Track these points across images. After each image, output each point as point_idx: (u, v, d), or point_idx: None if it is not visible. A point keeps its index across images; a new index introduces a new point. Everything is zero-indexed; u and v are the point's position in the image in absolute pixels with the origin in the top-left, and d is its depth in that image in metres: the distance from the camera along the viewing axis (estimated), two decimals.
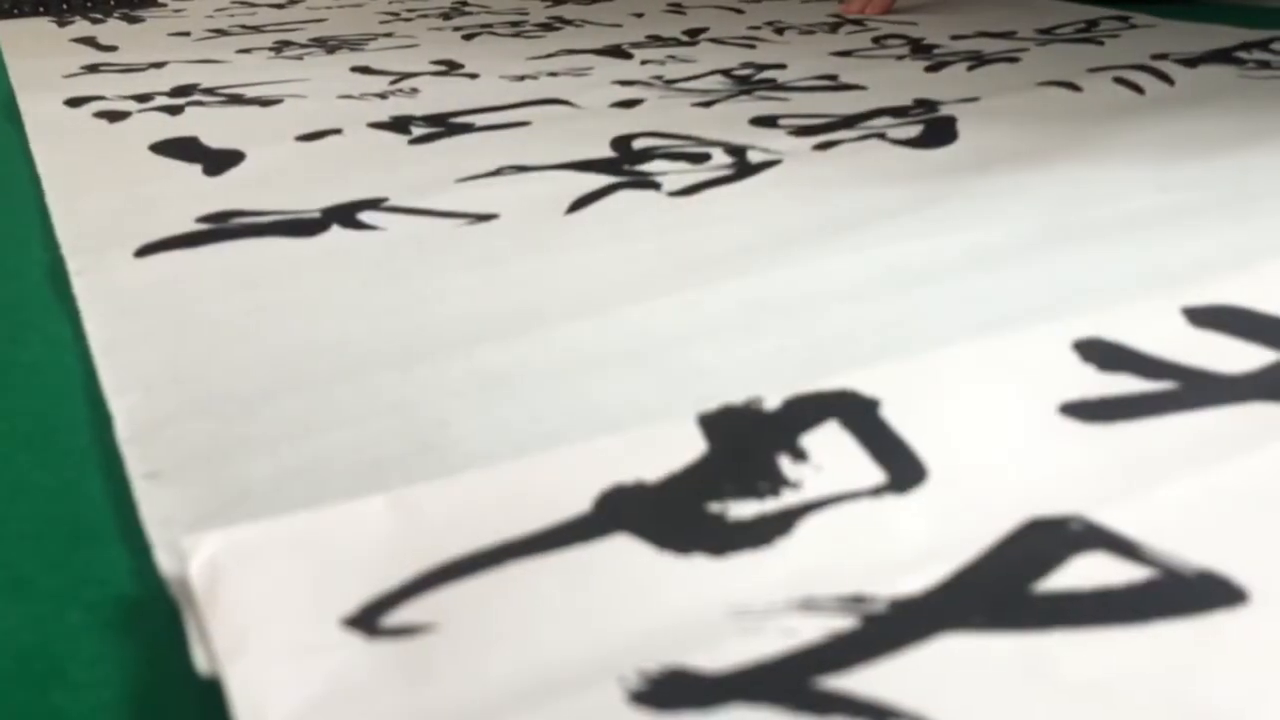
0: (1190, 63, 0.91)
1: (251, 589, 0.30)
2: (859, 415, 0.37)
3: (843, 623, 0.28)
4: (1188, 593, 0.28)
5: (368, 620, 0.29)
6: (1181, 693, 0.25)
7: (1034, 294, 0.48)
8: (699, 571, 0.30)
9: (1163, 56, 0.93)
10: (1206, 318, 0.44)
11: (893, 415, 0.37)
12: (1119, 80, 0.86)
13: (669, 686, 0.26)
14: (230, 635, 0.28)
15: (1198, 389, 0.39)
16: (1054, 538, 0.31)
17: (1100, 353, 0.42)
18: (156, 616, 0.31)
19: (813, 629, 0.27)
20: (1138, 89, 0.84)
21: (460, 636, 0.28)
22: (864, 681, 0.26)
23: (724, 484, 0.34)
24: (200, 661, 0.28)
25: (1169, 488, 0.33)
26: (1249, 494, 0.33)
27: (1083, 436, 0.36)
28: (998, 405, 0.38)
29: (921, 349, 0.42)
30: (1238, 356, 0.41)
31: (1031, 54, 1.00)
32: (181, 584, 0.30)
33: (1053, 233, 0.55)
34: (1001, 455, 0.35)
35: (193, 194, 0.67)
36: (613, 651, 0.27)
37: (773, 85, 0.91)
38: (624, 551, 0.31)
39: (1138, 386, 0.39)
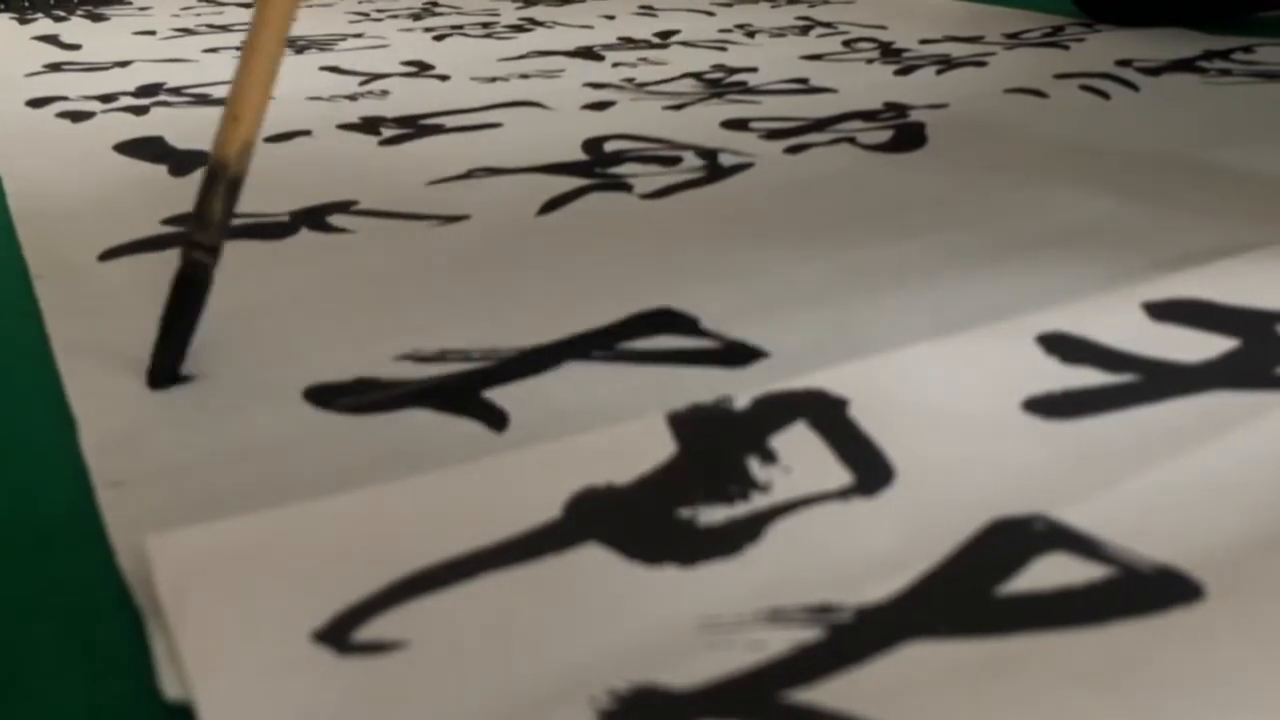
0: (1154, 71, 0.92)
1: (218, 601, 0.29)
2: (827, 415, 0.38)
3: (810, 634, 0.28)
4: (1146, 590, 0.29)
5: (338, 635, 0.28)
6: (1138, 693, 0.25)
7: (999, 295, 0.48)
8: (669, 583, 0.30)
9: (1127, 63, 0.94)
10: (1166, 311, 0.45)
11: (861, 415, 0.38)
12: (1085, 87, 0.87)
13: (639, 705, 0.26)
14: (199, 655, 0.28)
15: (1159, 380, 0.40)
16: (1017, 538, 0.31)
17: (1064, 346, 0.42)
18: (122, 626, 0.31)
19: (780, 641, 0.28)
20: (1103, 95, 0.85)
21: (431, 655, 0.28)
22: (830, 694, 0.26)
23: (694, 488, 0.34)
24: (169, 686, 0.27)
25: (1130, 482, 0.34)
26: (1207, 486, 0.33)
27: (1046, 432, 0.37)
28: (965, 402, 0.39)
29: (889, 350, 0.43)
30: (1198, 346, 0.42)
31: (999, 58, 1.01)
32: (146, 590, 0.30)
33: (1018, 237, 0.55)
34: (967, 454, 0.36)
35: (158, 195, 0.66)
36: (583, 669, 0.27)
37: (744, 88, 0.91)
38: (594, 562, 0.31)
39: (1100, 379, 0.40)
